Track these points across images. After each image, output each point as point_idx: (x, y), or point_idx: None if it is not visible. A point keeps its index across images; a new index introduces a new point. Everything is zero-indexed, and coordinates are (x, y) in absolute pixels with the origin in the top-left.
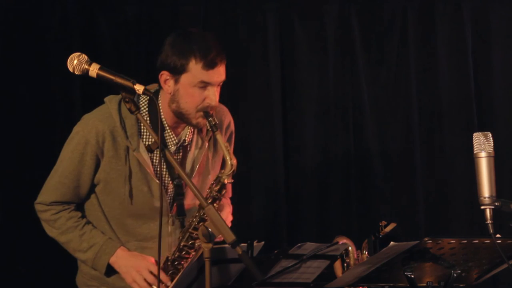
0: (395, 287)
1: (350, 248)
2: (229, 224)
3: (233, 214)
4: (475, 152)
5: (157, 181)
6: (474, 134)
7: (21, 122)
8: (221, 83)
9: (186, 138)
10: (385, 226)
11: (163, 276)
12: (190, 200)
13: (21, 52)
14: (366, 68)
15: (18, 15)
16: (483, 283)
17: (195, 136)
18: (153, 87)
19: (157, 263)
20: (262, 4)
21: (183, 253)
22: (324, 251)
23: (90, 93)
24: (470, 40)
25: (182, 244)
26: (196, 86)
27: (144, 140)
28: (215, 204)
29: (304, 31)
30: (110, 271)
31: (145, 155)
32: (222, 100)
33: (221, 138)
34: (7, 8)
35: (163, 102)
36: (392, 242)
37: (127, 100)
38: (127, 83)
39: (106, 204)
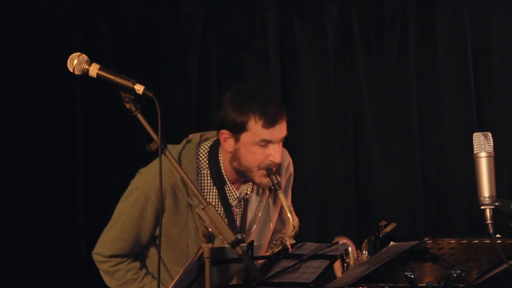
0: (395, 287)
1: (350, 248)
2: None
3: None
4: (475, 152)
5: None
6: (474, 134)
7: (21, 122)
8: (283, 139)
9: (248, 192)
10: (385, 226)
11: None
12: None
13: (21, 52)
14: (366, 68)
15: (18, 15)
16: (483, 283)
17: (254, 188)
18: (212, 134)
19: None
20: (262, 4)
21: None
22: (324, 251)
23: (90, 93)
24: (470, 40)
25: None
26: (257, 144)
27: (205, 195)
28: None
29: (304, 31)
30: None
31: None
32: (221, 99)
33: (283, 198)
34: (7, 8)
35: (223, 158)
36: (392, 242)
37: (127, 100)
38: (127, 83)
39: (166, 254)
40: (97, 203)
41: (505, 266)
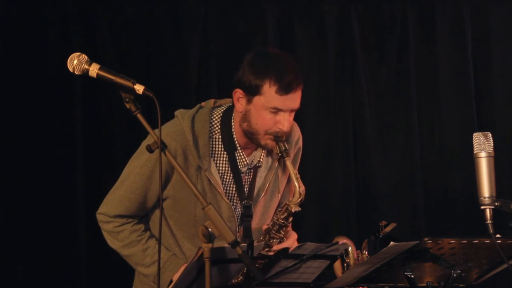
0: (395, 287)
1: (350, 248)
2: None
3: None
4: (475, 152)
5: (227, 201)
6: (474, 134)
7: (21, 122)
8: (295, 110)
9: (261, 159)
10: (385, 226)
11: None
12: (257, 219)
13: (21, 52)
14: (366, 68)
15: (18, 15)
16: (483, 283)
17: (265, 156)
18: (225, 102)
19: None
20: (262, 4)
21: None
22: (324, 251)
23: (90, 93)
24: (470, 40)
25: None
26: (268, 109)
27: (216, 159)
28: (281, 231)
29: (304, 31)
30: None
31: (216, 174)
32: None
33: (290, 165)
34: (7, 8)
35: (235, 121)
36: (392, 242)
37: (127, 100)
38: (127, 83)
39: (173, 219)
40: (97, 203)
41: (505, 266)
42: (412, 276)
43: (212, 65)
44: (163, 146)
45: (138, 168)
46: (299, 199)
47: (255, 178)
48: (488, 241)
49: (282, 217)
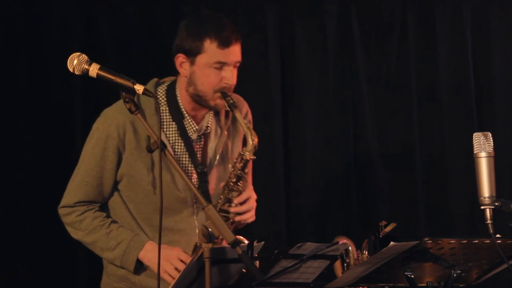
0: (395, 287)
1: (350, 248)
2: (255, 203)
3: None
4: (475, 152)
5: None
6: (474, 134)
7: (21, 122)
8: (238, 64)
9: (209, 125)
10: (385, 226)
11: None
12: (214, 185)
13: (21, 52)
14: (366, 68)
15: (18, 15)
16: (483, 283)
17: (214, 124)
18: (169, 79)
19: (187, 253)
20: (262, 4)
21: None
22: (324, 251)
23: (90, 93)
24: (470, 40)
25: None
26: (212, 66)
27: (165, 130)
28: (239, 183)
29: (304, 31)
30: (139, 268)
31: (167, 145)
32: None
33: (240, 117)
34: (7, 8)
35: (180, 89)
36: (392, 242)
37: (127, 100)
38: (127, 83)
39: (131, 200)
40: None
41: (505, 266)
42: (412, 276)
43: None
44: (163, 146)
45: (90, 149)
46: (252, 147)
47: (206, 145)
48: (488, 241)
49: (239, 167)
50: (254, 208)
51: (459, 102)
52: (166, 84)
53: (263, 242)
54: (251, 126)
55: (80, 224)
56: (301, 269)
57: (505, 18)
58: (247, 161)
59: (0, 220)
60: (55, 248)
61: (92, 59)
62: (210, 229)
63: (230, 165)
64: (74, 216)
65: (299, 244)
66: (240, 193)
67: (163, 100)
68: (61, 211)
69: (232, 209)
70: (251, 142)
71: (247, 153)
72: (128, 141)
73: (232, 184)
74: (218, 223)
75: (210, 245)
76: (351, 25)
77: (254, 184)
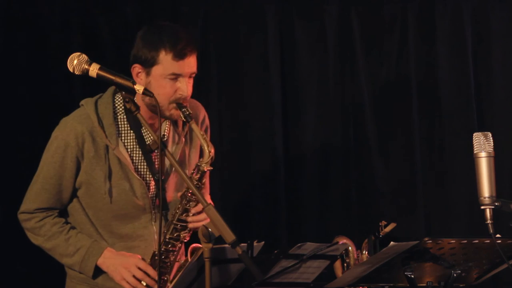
0: (395, 287)
1: (350, 248)
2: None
3: (234, 214)
4: (475, 152)
5: (138, 178)
6: (474, 134)
7: (21, 122)
8: (193, 75)
9: (165, 133)
10: (385, 226)
11: (150, 271)
12: (171, 193)
13: (21, 52)
14: (366, 68)
15: (18, 15)
16: (483, 283)
17: (172, 132)
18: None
19: (145, 261)
20: (262, 4)
21: (169, 246)
22: (324, 251)
23: (90, 93)
24: (470, 40)
25: (167, 237)
26: (167, 77)
27: (123, 139)
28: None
29: (304, 31)
30: (98, 273)
31: (124, 153)
32: (220, 99)
33: (196, 128)
34: (7, 8)
35: (137, 98)
36: (392, 242)
37: (127, 100)
38: (127, 83)
39: (90, 207)
40: None
41: (505, 266)
42: (412, 276)
43: (212, 65)
44: (162, 146)
45: (49, 158)
46: (209, 158)
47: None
48: (488, 241)
49: (196, 177)
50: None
51: (459, 102)
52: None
53: (263, 242)
54: (208, 136)
55: (40, 230)
56: (301, 269)
57: (505, 18)
58: (204, 172)
59: (1, 220)
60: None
61: (92, 59)
62: (210, 229)
63: (187, 175)
64: (34, 222)
65: (299, 244)
66: (196, 204)
67: (120, 109)
68: (20, 216)
69: (190, 219)
70: (207, 153)
71: (204, 164)
72: (86, 150)
73: (189, 194)
74: (218, 223)
75: (210, 245)
76: (351, 25)
77: (254, 184)
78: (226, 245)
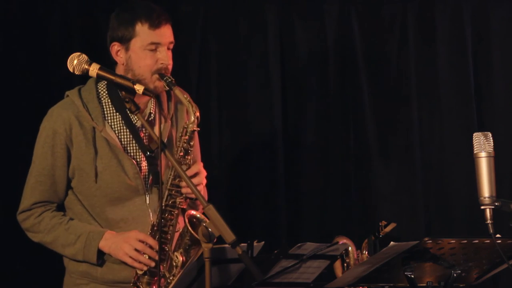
0: (395, 287)
1: (350, 248)
2: (205, 180)
3: (234, 213)
4: (475, 152)
5: (129, 158)
6: (474, 134)
7: (21, 122)
8: (171, 45)
9: (152, 111)
10: (385, 226)
11: (151, 241)
12: (164, 167)
13: (21, 52)
14: (366, 68)
15: (18, 15)
16: (483, 283)
17: (157, 113)
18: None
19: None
20: (262, 4)
21: (166, 214)
22: (324, 251)
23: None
24: (470, 40)
25: (163, 204)
26: (147, 48)
27: (109, 121)
28: (187, 157)
29: (304, 31)
30: (101, 260)
31: (112, 134)
32: (221, 99)
33: (180, 93)
34: (7, 8)
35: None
36: (392, 242)
37: (127, 100)
38: (127, 83)
39: (84, 196)
40: None
41: (505, 266)
42: (412, 276)
43: (212, 65)
44: (163, 146)
45: (40, 149)
46: (195, 118)
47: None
48: (488, 241)
49: (185, 139)
50: (204, 183)
51: (459, 102)
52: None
53: (263, 242)
54: (190, 99)
55: (39, 226)
56: (301, 269)
57: (505, 18)
58: (192, 132)
59: (1, 220)
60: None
61: (92, 59)
62: (210, 229)
63: (175, 139)
64: (33, 218)
65: (299, 244)
66: (189, 167)
67: (104, 93)
68: (19, 217)
69: (182, 184)
70: (193, 114)
71: (191, 125)
72: (74, 135)
73: (179, 157)
74: (218, 223)
75: (210, 245)
76: (351, 25)
77: (254, 184)
78: (226, 245)
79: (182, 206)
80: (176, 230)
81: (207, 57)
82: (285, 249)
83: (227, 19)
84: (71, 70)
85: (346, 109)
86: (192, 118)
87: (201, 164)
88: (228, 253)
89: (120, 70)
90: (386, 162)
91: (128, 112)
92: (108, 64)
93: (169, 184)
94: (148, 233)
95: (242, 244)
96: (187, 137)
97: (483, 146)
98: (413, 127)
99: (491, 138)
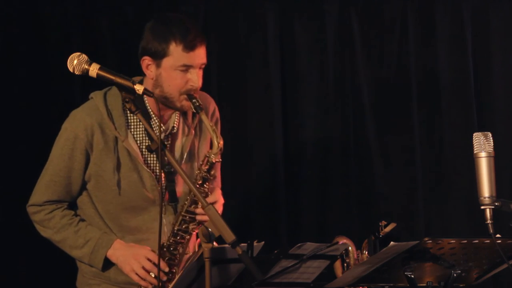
0: (395, 287)
1: (350, 248)
2: (221, 208)
3: (234, 213)
4: (475, 152)
5: (147, 170)
6: (474, 134)
7: (21, 121)
8: (203, 66)
9: (175, 125)
10: (385, 226)
11: (160, 263)
12: (181, 185)
13: (21, 52)
14: (366, 68)
15: (18, 15)
16: (483, 283)
17: (181, 124)
18: (136, 79)
19: (155, 252)
20: (262, 4)
21: (178, 237)
22: (324, 251)
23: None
24: (470, 40)
25: (175, 228)
26: (178, 69)
27: (132, 130)
28: (205, 185)
29: (304, 31)
30: (107, 265)
31: (134, 144)
32: (221, 99)
33: (206, 119)
34: (7, 8)
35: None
36: (392, 242)
37: (127, 100)
38: (127, 83)
39: (99, 200)
40: None
41: (505, 266)
42: (412, 276)
43: (212, 65)
44: (163, 147)
45: (59, 150)
46: (217, 149)
47: (173, 145)
48: (488, 241)
49: (204, 169)
50: (219, 212)
51: (459, 102)
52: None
53: (263, 242)
54: (217, 128)
55: (49, 223)
56: (301, 269)
57: (505, 18)
58: (213, 163)
59: (1, 220)
60: (55, 248)
61: (92, 59)
62: (210, 229)
63: (196, 166)
64: (43, 214)
65: (299, 244)
66: (206, 195)
67: (130, 101)
68: (29, 209)
69: (198, 211)
70: (216, 145)
71: (213, 155)
72: (96, 142)
73: (198, 186)
74: (218, 223)
75: (210, 245)
76: (351, 25)
77: (254, 184)
78: (226, 245)
79: (194, 232)
80: (186, 253)
81: (207, 57)
82: (285, 249)
83: (227, 19)
84: (71, 70)
85: (346, 109)
86: (215, 149)
87: (219, 192)
88: (228, 253)
89: (148, 83)
90: (386, 162)
91: (151, 123)
92: (108, 64)
93: (184, 210)
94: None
95: (242, 244)
96: (207, 167)
97: (483, 146)
98: (413, 127)
99: (491, 138)
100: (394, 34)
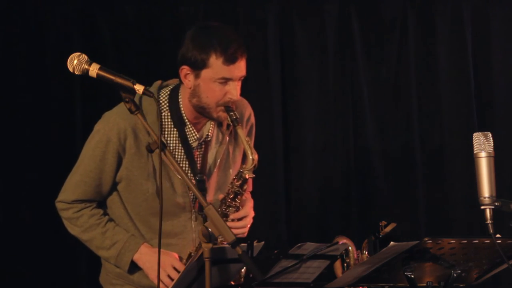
0: (395, 287)
1: (350, 248)
2: (251, 221)
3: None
4: (475, 152)
5: (179, 177)
6: (474, 134)
7: (21, 122)
8: (242, 78)
9: (209, 133)
10: (385, 226)
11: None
12: (212, 192)
13: (21, 52)
14: (366, 68)
15: (18, 15)
16: (483, 283)
17: (216, 131)
18: (173, 82)
19: (180, 259)
20: (262, 4)
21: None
22: (324, 251)
23: (90, 93)
24: (470, 40)
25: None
26: (217, 81)
27: (166, 136)
28: (237, 199)
29: (304, 31)
30: (133, 268)
31: (167, 151)
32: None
33: (242, 133)
34: (7, 8)
35: (183, 97)
36: (392, 242)
37: (127, 100)
38: (127, 83)
39: (129, 202)
40: None
41: (505, 266)
42: (412, 276)
43: None
44: (163, 146)
45: (90, 151)
46: (252, 165)
47: (206, 152)
48: (488, 241)
49: (237, 184)
50: (249, 226)
51: (459, 102)
52: (169, 88)
53: (263, 242)
54: (252, 137)
55: (77, 221)
56: (301, 269)
57: (505, 18)
58: (246, 179)
59: (1, 220)
60: (56, 248)
61: (92, 59)
62: (210, 229)
63: (231, 174)
64: (71, 212)
65: (299, 244)
66: (237, 209)
67: (165, 106)
68: (58, 205)
69: (228, 224)
70: (251, 161)
71: (246, 172)
72: (128, 146)
73: (229, 200)
74: (218, 223)
75: (210, 245)
76: (351, 25)
77: (254, 184)
78: (226, 245)
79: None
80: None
81: None
82: (285, 249)
83: (227, 19)
84: (71, 70)
85: (346, 109)
86: (249, 165)
87: (251, 205)
88: (228, 253)
89: (185, 91)
90: (386, 162)
91: (186, 130)
92: (108, 64)
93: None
94: (185, 259)
95: (242, 244)
96: (240, 182)
97: (483, 146)
98: (413, 127)
99: (491, 138)
100: (394, 34)
